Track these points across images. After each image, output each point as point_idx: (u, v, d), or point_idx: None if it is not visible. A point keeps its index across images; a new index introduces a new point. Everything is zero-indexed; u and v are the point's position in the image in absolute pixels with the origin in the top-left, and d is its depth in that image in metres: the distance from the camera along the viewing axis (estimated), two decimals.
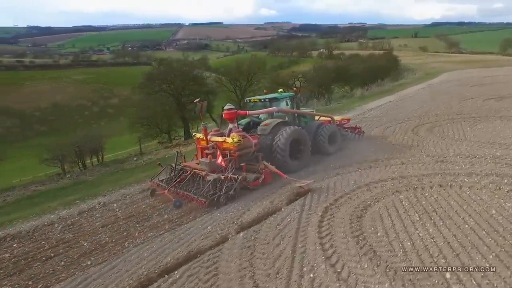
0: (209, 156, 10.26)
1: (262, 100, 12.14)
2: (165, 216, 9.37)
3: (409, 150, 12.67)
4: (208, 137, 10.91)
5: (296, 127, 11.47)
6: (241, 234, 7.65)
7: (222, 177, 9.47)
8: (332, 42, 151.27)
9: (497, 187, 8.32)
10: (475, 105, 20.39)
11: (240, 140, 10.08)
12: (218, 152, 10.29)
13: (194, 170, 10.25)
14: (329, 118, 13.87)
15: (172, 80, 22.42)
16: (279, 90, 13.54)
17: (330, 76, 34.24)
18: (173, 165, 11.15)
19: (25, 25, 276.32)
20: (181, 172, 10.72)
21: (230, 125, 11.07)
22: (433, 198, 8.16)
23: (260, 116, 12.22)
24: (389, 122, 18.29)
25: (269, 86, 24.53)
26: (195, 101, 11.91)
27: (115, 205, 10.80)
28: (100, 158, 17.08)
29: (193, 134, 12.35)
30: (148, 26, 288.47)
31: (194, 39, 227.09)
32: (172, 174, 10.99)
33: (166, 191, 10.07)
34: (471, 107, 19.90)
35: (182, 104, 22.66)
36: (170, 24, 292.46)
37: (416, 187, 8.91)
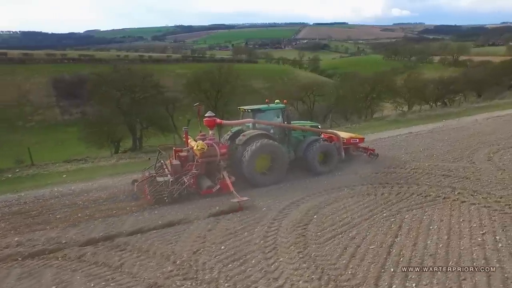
0: (170, 159, 10.88)
1: (248, 110, 11.77)
2: None
3: None
4: (189, 140, 11.36)
5: (269, 141, 10.90)
6: None
7: (171, 179, 9.92)
8: (471, 45, 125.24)
9: None
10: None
11: (203, 148, 10.00)
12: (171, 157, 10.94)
13: (165, 169, 10.89)
14: (332, 135, 12.77)
15: (126, 87, 20.06)
16: (275, 101, 12.42)
17: (359, 91, 26.31)
18: (161, 161, 11.62)
19: (172, 24, 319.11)
20: (159, 169, 11.28)
21: (210, 132, 11.01)
22: None
23: (249, 125, 11.86)
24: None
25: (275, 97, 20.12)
26: (194, 105, 12.03)
27: None
28: None
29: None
30: (274, 25, 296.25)
31: (314, 39, 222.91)
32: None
33: (136, 183, 10.70)
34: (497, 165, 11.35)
35: (129, 114, 20.17)
36: (295, 23, 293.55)
37: None
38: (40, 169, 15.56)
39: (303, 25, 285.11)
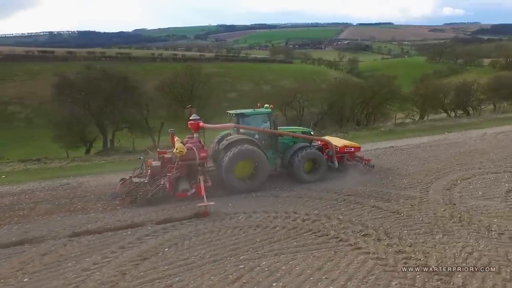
0: (148, 161, 10.80)
1: (233, 114, 11.55)
2: None
3: None
4: (175, 143, 11.04)
5: (248, 146, 10.44)
6: None
7: (145, 181, 10.09)
8: None
9: None
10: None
11: (182, 151, 9.90)
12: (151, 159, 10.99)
13: (148, 170, 10.75)
14: (324, 142, 12.11)
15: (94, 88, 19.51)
16: (265, 106, 11.97)
17: (355, 97, 23.75)
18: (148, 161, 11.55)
19: (215, 24, 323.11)
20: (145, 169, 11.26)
21: (194, 135, 10.98)
22: None
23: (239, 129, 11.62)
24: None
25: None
26: (187, 106, 12.03)
27: None
28: None
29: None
30: (316, 25, 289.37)
31: (356, 39, 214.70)
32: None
33: (120, 183, 10.76)
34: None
35: (99, 116, 19.61)
36: (338, 23, 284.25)
37: None
38: None
39: (346, 25, 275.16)
